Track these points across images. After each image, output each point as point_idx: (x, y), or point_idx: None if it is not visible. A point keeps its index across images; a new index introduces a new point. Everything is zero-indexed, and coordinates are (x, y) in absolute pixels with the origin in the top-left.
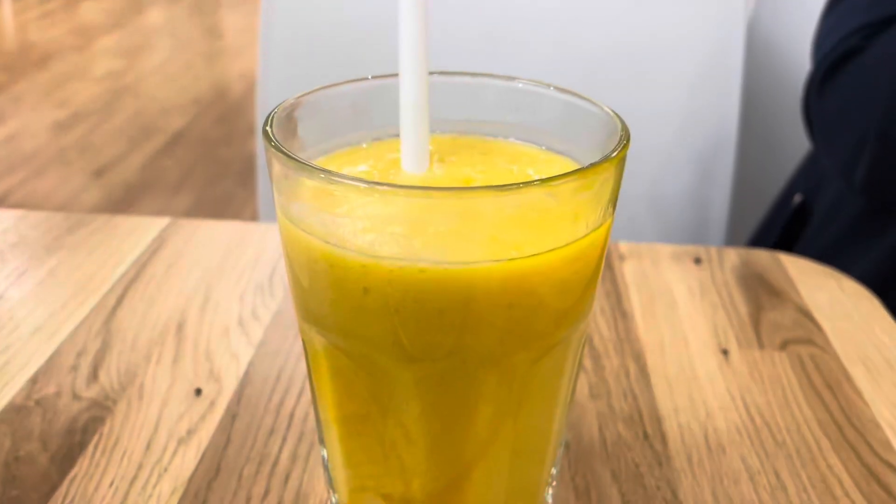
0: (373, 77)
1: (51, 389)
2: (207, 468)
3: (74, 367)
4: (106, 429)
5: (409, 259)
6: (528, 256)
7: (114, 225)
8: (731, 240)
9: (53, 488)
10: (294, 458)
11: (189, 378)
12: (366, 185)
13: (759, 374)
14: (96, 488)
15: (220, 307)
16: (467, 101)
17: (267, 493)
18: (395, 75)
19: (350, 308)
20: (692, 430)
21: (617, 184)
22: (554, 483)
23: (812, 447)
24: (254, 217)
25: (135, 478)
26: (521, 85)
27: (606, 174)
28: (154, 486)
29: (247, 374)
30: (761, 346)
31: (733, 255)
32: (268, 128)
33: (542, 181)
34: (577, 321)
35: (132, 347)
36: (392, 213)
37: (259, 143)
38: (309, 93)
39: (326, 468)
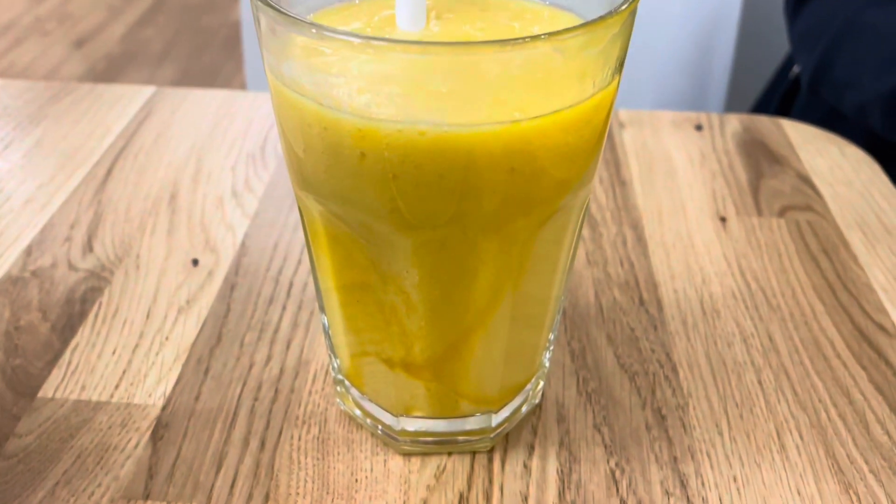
0: None
1: (46, 261)
2: (209, 336)
3: (68, 239)
4: (105, 298)
5: (407, 121)
6: (533, 118)
7: (98, 94)
8: (730, 110)
9: (56, 356)
10: (295, 325)
11: (185, 249)
12: (360, 41)
13: (756, 240)
14: (99, 356)
15: (212, 178)
16: None
17: (269, 359)
18: None
19: (346, 174)
20: (688, 295)
21: (626, 40)
22: (551, 347)
23: (806, 311)
24: (242, 88)
25: (137, 346)
26: None
27: (616, 28)
28: (157, 354)
29: (243, 244)
30: (759, 212)
31: (735, 122)
32: None
33: (548, 35)
34: (579, 187)
35: (125, 218)
36: (388, 72)
37: (244, 7)
38: None
39: (327, 334)
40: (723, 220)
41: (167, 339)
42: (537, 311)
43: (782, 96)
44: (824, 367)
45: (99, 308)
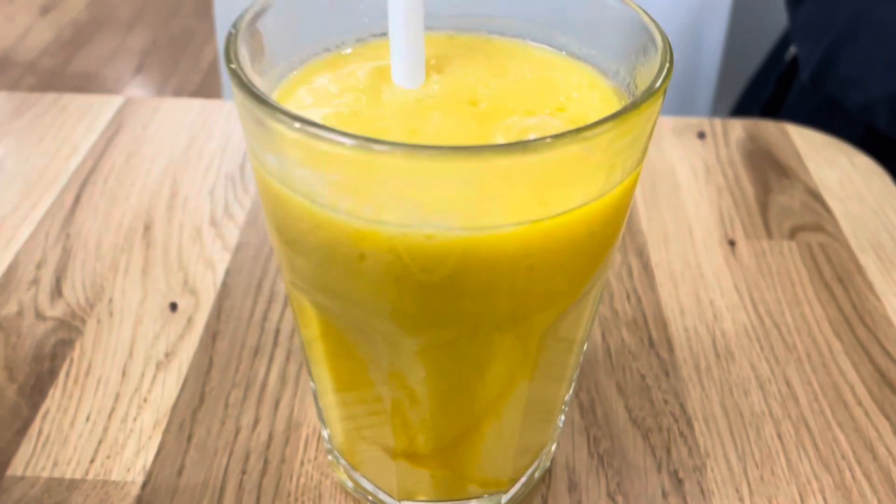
0: None
1: (12, 308)
2: (191, 395)
3: (35, 281)
4: (76, 353)
5: (414, 224)
6: (555, 216)
7: (62, 106)
8: (721, 94)
9: (26, 424)
10: (283, 379)
11: (162, 290)
12: (358, 145)
13: (767, 266)
14: (72, 423)
15: (188, 204)
16: None
17: (257, 422)
18: None
19: (343, 273)
20: (699, 334)
21: (657, 117)
22: (566, 409)
23: (823, 350)
24: (216, 56)
25: (113, 410)
26: None
27: (651, 110)
28: (135, 419)
29: (224, 284)
30: (769, 234)
31: (739, 128)
32: (231, 51)
33: (578, 134)
34: (603, 271)
35: (96, 255)
36: (391, 174)
37: None
38: None
39: (317, 403)
40: (731, 243)
41: (145, 400)
42: (554, 390)
43: (778, 80)
44: (846, 417)
45: (70, 365)
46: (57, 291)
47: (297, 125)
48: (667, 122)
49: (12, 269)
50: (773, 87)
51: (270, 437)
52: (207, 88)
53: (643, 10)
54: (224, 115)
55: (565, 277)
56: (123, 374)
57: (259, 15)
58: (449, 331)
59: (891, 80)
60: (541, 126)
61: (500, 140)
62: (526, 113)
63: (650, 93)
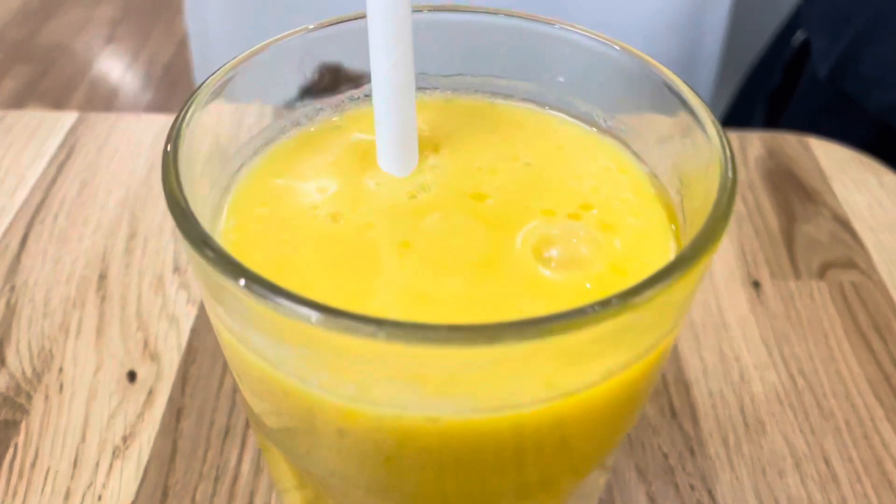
0: (324, 23)
1: None
2: (152, 491)
3: None
4: (21, 439)
5: (412, 407)
6: (588, 388)
7: (7, 126)
8: (723, 80)
9: None
10: (257, 469)
11: (118, 356)
12: (337, 324)
13: (796, 313)
14: None
15: (148, 246)
16: (468, 47)
17: None
18: (360, 17)
19: (320, 444)
20: (726, 399)
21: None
22: None
23: (863, 416)
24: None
25: None
26: (553, 30)
27: (708, 260)
28: None
29: (190, 345)
30: (797, 273)
31: (757, 143)
32: (170, 173)
33: (621, 304)
34: (639, 416)
35: (44, 312)
36: (382, 358)
37: None
38: (240, 61)
39: None
40: (756, 285)
41: (100, 498)
42: None
43: (786, 67)
44: (892, 501)
45: (15, 453)
46: (0, 360)
47: (251, 290)
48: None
49: None
50: (780, 76)
51: None
52: (182, 60)
53: (686, 85)
54: None
55: (601, 439)
56: (75, 464)
57: (218, 91)
58: None
59: None
60: (564, 236)
61: (517, 255)
62: (544, 213)
63: (713, 224)
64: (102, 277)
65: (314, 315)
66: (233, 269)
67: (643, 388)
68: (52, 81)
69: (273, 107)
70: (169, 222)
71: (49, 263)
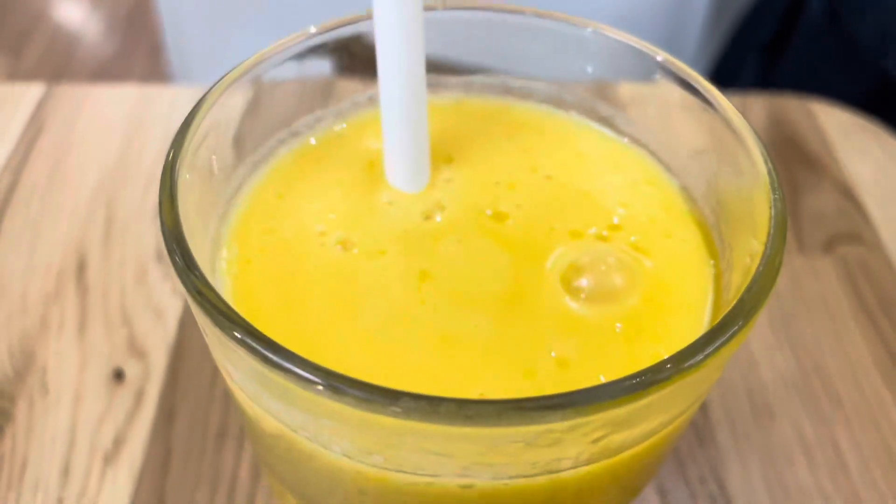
0: (327, 27)
1: None
2: (147, 497)
3: None
4: (7, 447)
5: (443, 475)
6: (631, 447)
7: None
8: (711, 31)
9: None
10: (256, 472)
11: (104, 353)
12: (364, 402)
13: (802, 293)
14: None
15: (129, 232)
16: (479, 43)
17: None
18: (364, 18)
19: (342, 500)
20: (734, 385)
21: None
22: None
23: (871, 402)
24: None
25: None
26: (578, 31)
27: (767, 302)
28: None
29: (178, 340)
30: (801, 247)
31: (759, 108)
32: (167, 208)
33: (663, 378)
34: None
35: (22, 308)
36: (407, 436)
37: None
38: (239, 75)
39: None
40: None
41: None
42: None
43: (780, 18)
44: None
45: (2, 463)
46: None
47: (269, 361)
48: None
49: None
50: (774, 27)
51: None
52: (145, 7)
53: (718, 90)
54: (165, 105)
55: (635, 486)
56: (65, 472)
57: (204, 121)
58: None
59: None
60: (594, 264)
61: (545, 286)
62: (570, 235)
63: (763, 279)
64: (81, 268)
65: (323, 386)
66: (239, 330)
67: (678, 437)
68: (7, 31)
69: (277, 114)
70: (149, 204)
71: (24, 255)
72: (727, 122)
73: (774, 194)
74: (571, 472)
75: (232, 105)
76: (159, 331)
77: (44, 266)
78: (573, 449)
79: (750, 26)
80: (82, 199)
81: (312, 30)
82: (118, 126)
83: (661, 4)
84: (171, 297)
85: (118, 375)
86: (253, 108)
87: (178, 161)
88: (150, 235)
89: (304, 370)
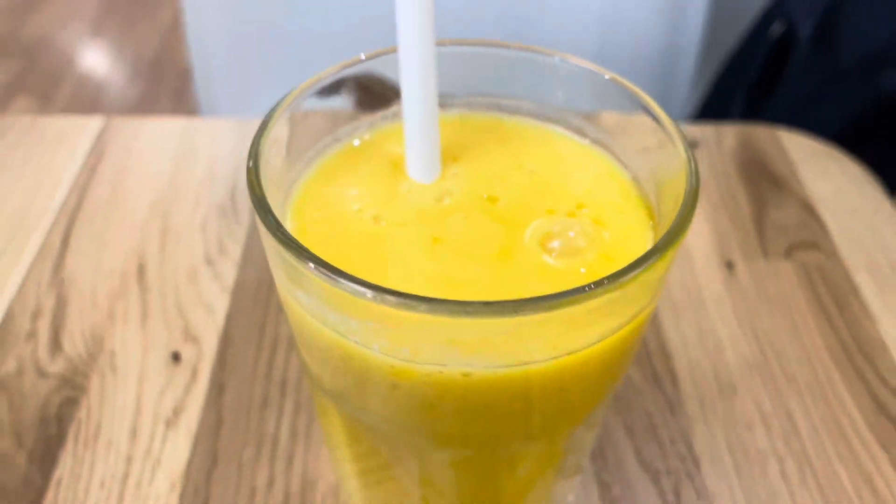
0: (366, 57)
1: (10, 365)
2: (203, 456)
3: (33, 335)
4: (83, 414)
5: (451, 364)
6: (588, 346)
7: (40, 131)
8: (702, 72)
9: (40, 495)
10: (294, 434)
11: (163, 340)
12: (396, 302)
13: (765, 291)
14: (86, 491)
15: (181, 242)
16: (479, 70)
17: (272, 482)
18: (391, 51)
19: (374, 396)
20: (702, 367)
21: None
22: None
23: (822, 380)
24: (175, 18)
25: (126, 475)
26: (552, 60)
27: (675, 251)
28: (149, 484)
29: (226, 330)
30: (765, 253)
31: (731, 136)
32: (253, 183)
33: (614, 282)
34: (625, 373)
35: (92, 304)
36: (429, 327)
37: None
38: (295, 96)
39: (339, 476)
40: (730, 266)
41: (158, 462)
42: (574, 469)
43: (766, 58)
44: (846, 451)
45: (79, 427)
46: (56, 345)
47: (329, 276)
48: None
49: (7, 321)
50: (759, 69)
51: (287, 496)
52: (169, 48)
53: (662, 110)
54: (207, 136)
55: (595, 390)
56: (133, 434)
57: (271, 132)
58: (480, 446)
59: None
60: (563, 231)
61: (526, 246)
62: (547, 212)
63: (681, 226)
64: (141, 271)
65: (378, 295)
66: (312, 259)
67: (627, 350)
68: (38, 76)
69: (322, 126)
70: (197, 219)
71: (91, 260)
72: (664, 128)
73: (690, 175)
74: (541, 365)
75: (285, 121)
76: (210, 322)
77: (108, 270)
78: (541, 344)
79: (736, 68)
80: (140, 214)
81: (362, 56)
82: (168, 152)
83: (655, 46)
84: (219, 294)
85: (175, 357)
86: (301, 123)
87: (258, 158)
88: (200, 244)
89: (358, 284)
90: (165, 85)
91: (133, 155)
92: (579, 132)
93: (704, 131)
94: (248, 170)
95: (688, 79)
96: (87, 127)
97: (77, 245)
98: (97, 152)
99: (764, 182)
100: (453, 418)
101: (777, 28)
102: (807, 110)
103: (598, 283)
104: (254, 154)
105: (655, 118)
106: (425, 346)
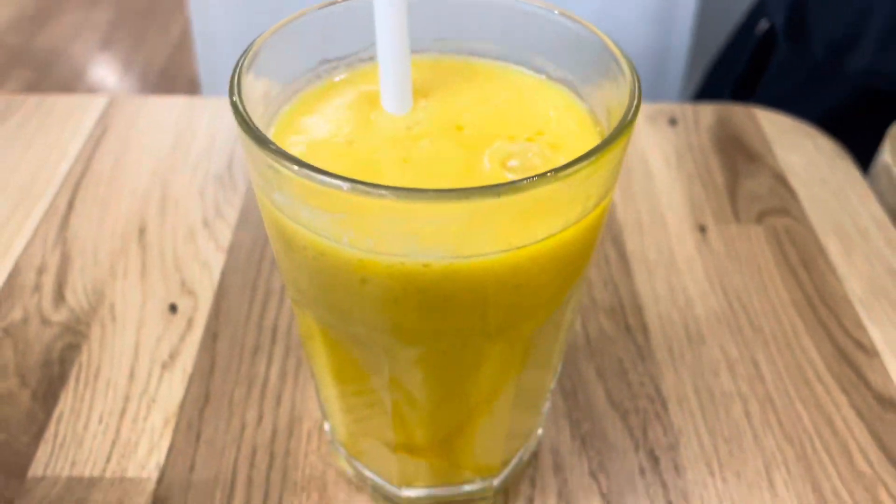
0: (340, 1)
1: (17, 315)
2: (196, 395)
3: (37, 288)
4: (84, 357)
5: (412, 255)
6: (539, 241)
7: (48, 108)
8: (692, 69)
9: (41, 428)
10: (283, 375)
11: (160, 293)
12: (359, 190)
13: (735, 252)
14: (86, 426)
15: (180, 206)
16: (449, 17)
17: (261, 418)
18: None
19: (344, 294)
20: (672, 319)
21: (624, 153)
22: (550, 395)
23: (787, 331)
24: (185, 27)
25: (123, 411)
26: (512, 3)
27: (623, 143)
28: (145, 419)
29: (220, 284)
30: (738, 219)
31: (709, 114)
32: (235, 98)
33: (557, 174)
34: (582, 281)
35: (94, 261)
36: (390, 215)
37: None
38: (273, 31)
39: (319, 399)
40: (702, 229)
41: (154, 401)
42: (539, 383)
43: (751, 55)
44: (808, 393)
45: (79, 369)
46: (60, 297)
47: (302, 171)
48: (640, 109)
49: (14, 275)
50: (746, 63)
51: (275, 431)
52: (178, 61)
53: (613, 42)
54: (208, 113)
55: (549, 291)
56: (131, 376)
57: (259, 52)
58: (443, 342)
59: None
60: (522, 153)
61: (486, 166)
62: (508, 138)
63: (621, 129)
64: (142, 232)
65: (345, 185)
66: (293, 160)
67: (576, 253)
68: (51, 85)
69: (300, 67)
70: (195, 187)
71: (94, 222)
72: (616, 61)
73: (633, 95)
74: (494, 257)
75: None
76: (206, 277)
77: (110, 231)
78: (492, 237)
79: (724, 63)
80: (141, 181)
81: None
82: (170, 127)
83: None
84: (215, 252)
85: (173, 308)
86: (283, 57)
87: (240, 77)
88: (198, 209)
89: (328, 176)
90: (175, 94)
91: (136, 129)
92: (541, 71)
93: (684, 109)
94: (234, 74)
95: (678, 78)
96: (93, 104)
97: (81, 208)
98: (102, 126)
99: (739, 155)
100: (416, 313)
101: (762, 26)
102: (788, 104)
103: (542, 175)
104: (237, 72)
105: (611, 54)
106: (387, 236)
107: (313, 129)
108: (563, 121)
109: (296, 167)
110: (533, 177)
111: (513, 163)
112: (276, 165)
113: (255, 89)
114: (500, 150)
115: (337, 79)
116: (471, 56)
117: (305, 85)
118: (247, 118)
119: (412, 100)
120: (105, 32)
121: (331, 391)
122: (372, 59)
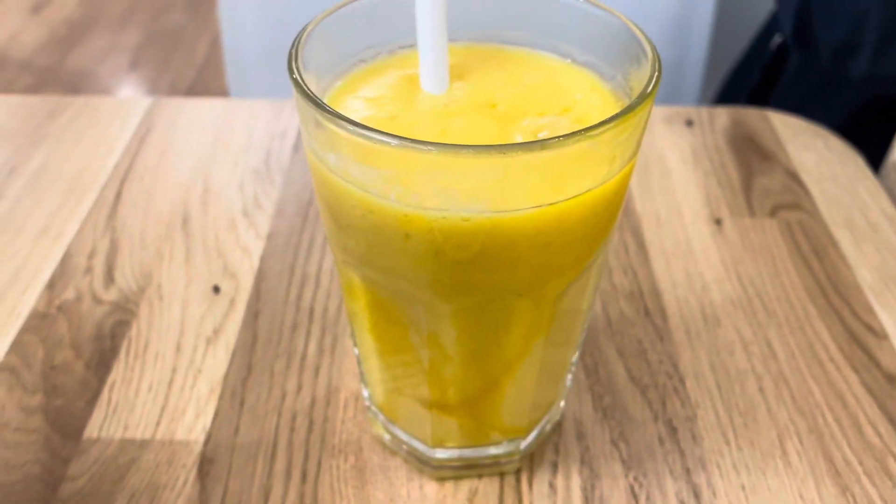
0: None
1: (70, 294)
2: (239, 367)
3: (89, 270)
4: (133, 333)
5: (452, 209)
6: (568, 199)
7: (94, 108)
8: (708, 82)
9: (95, 395)
10: (321, 351)
11: (204, 276)
12: (406, 145)
13: (750, 242)
14: (136, 392)
15: (221, 197)
16: (483, 8)
17: (300, 388)
18: None
19: (389, 251)
20: (689, 304)
21: (649, 116)
22: (573, 369)
23: (800, 315)
24: (211, 50)
25: (171, 380)
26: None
27: (644, 112)
28: (191, 388)
29: (260, 269)
30: (752, 213)
31: (724, 116)
32: (296, 75)
33: (585, 133)
34: (606, 246)
35: (141, 245)
36: (434, 170)
37: None
38: (325, 15)
39: (360, 365)
40: (718, 222)
41: (200, 371)
42: (563, 352)
43: (764, 68)
44: (819, 371)
45: (129, 343)
46: (110, 278)
47: (356, 129)
48: (657, 112)
49: (66, 259)
50: (759, 76)
51: (313, 400)
52: (203, 83)
53: (636, 26)
54: (244, 113)
55: (574, 251)
56: (177, 349)
57: (311, 35)
58: (477, 297)
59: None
60: (551, 125)
61: (519, 138)
62: (538, 114)
63: (643, 98)
64: (185, 220)
65: (394, 141)
66: (348, 120)
67: (601, 213)
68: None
69: (346, 51)
70: (236, 179)
71: (140, 211)
72: (638, 42)
73: (654, 68)
74: (527, 212)
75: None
76: (246, 262)
77: (156, 220)
78: (526, 194)
79: (737, 77)
80: (184, 175)
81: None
82: (210, 126)
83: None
84: (255, 239)
85: (216, 289)
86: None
87: (297, 59)
88: (238, 200)
89: (381, 134)
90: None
91: (178, 127)
92: (567, 56)
93: (699, 112)
94: (291, 51)
95: (695, 90)
96: (138, 104)
97: (128, 199)
98: (146, 125)
99: (753, 154)
100: (454, 267)
101: (776, 41)
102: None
103: (572, 133)
104: (293, 52)
105: (635, 38)
106: (430, 191)
107: (358, 106)
108: (588, 100)
109: (350, 126)
110: (564, 135)
111: (543, 134)
112: (333, 127)
113: (307, 69)
114: (531, 124)
115: (380, 62)
116: (502, 44)
117: (351, 67)
118: (305, 88)
119: (449, 81)
120: (133, 54)
121: (371, 350)
122: (412, 46)
